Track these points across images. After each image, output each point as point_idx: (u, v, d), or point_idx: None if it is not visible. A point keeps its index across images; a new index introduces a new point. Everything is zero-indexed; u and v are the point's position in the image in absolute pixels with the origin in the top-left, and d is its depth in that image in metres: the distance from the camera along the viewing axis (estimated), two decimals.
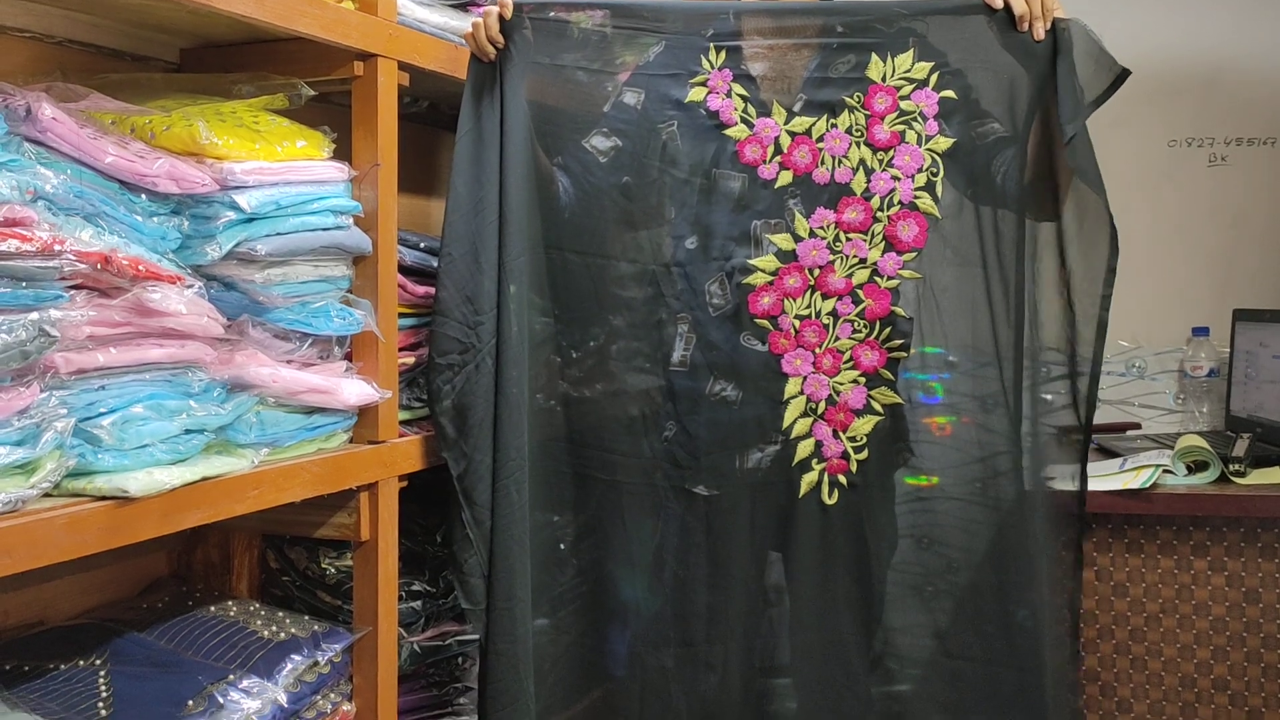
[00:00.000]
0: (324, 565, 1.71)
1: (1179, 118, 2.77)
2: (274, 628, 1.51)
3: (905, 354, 1.76)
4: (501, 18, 1.69)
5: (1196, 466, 2.18)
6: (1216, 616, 2.11)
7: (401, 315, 1.68)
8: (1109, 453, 2.38)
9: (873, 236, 1.72)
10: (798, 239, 1.73)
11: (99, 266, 1.13)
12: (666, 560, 1.85)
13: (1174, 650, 2.14)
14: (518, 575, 1.71)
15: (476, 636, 1.74)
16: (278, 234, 1.39)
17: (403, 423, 1.69)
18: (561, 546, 1.88)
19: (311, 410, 1.49)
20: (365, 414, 1.59)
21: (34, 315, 1.06)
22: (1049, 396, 1.84)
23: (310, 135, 1.49)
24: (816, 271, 1.73)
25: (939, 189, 1.72)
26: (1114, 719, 2.17)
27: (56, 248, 1.08)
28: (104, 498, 1.14)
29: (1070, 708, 1.86)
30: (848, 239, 1.72)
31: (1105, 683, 2.17)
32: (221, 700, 1.30)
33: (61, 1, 1.37)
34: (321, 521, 1.59)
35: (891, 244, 1.72)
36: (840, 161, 1.72)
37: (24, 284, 1.06)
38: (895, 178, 1.71)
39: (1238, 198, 2.74)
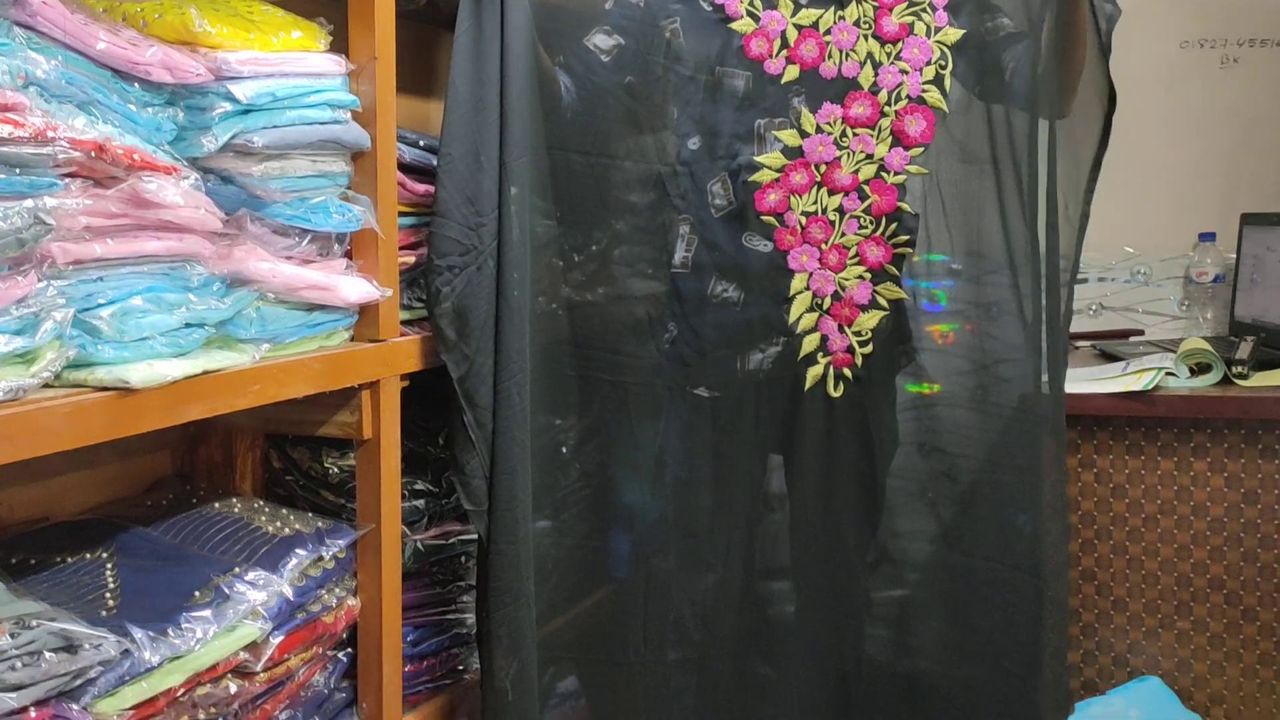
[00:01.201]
0: (327, 465, 1.71)
1: (1191, 18, 2.72)
2: (278, 523, 1.52)
3: (911, 249, 1.75)
4: None
5: (1199, 369, 2.18)
6: (1214, 517, 2.13)
7: (401, 214, 1.66)
8: (1111, 357, 2.38)
9: (880, 131, 1.70)
10: (804, 135, 1.70)
11: (93, 155, 1.11)
12: (669, 462, 1.86)
13: (1171, 550, 2.16)
14: (519, 477, 1.72)
15: (478, 536, 1.76)
16: (274, 126, 1.37)
17: (404, 323, 1.68)
18: (564, 450, 1.89)
19: (312, 307, 1.47)
20: (366, 313, 1.58)
21: (29, 202, 1.05)
22: (1053, 301, 1.83)
23: (306, 26, 1.46)
24: (823, 167, 1.71)
25: (947, 83, 1.69)
26: (1109, 618, 2.20)
27: (50, 134, 1.06)
28: (105, 389, 1.13)
29: (1063, 605, 1.88)
30: (854, 134, 1.70)
31: (1101, 582, 2.19)
32: (228, 592, 1.31)
33: None
34: (324, 420, 1.59)
35: (898, 139, 1.70)
36: (848, 55, 1.69)
37: (18, 171, 1.04)
38: (903, 71, 1.68)
39: (1249, 100, 2.70)
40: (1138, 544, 2.17)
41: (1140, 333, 2.72)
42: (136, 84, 1.23)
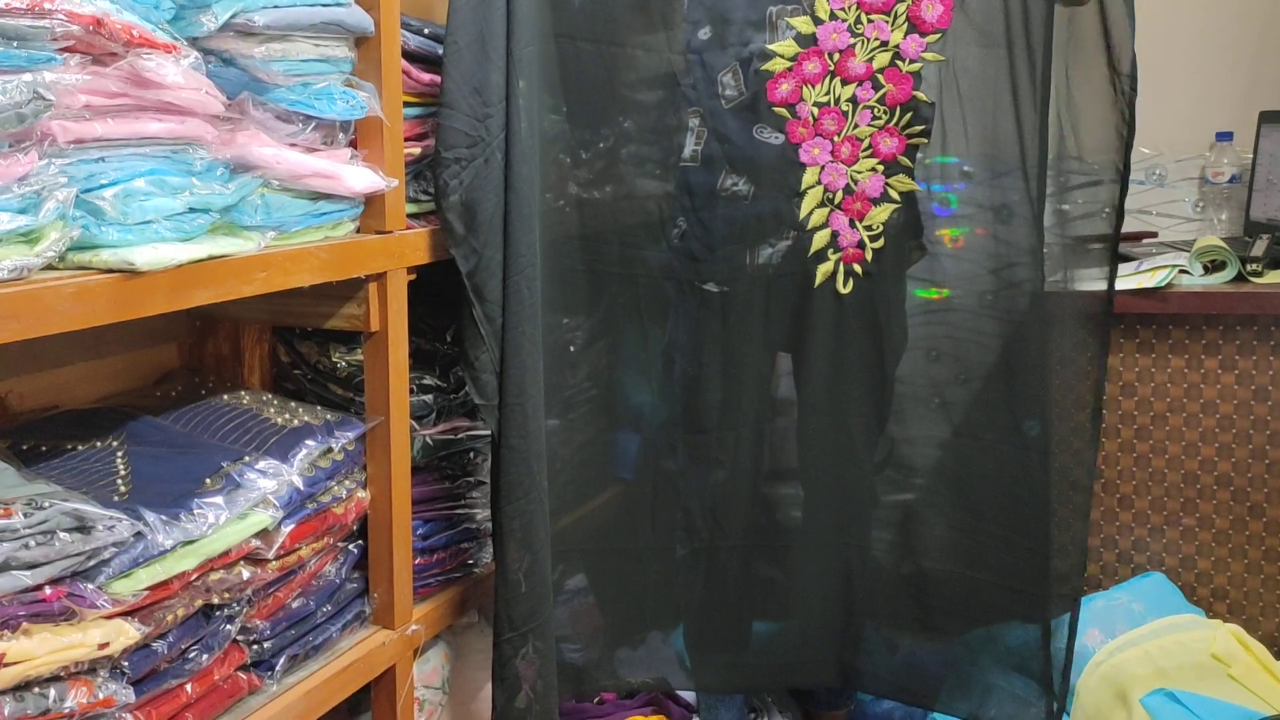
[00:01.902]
0: (335, 359, 1.70)
1: None
2: (287, 415, 1.52)
3: (925, 140, 1.71)
4: None
5: (1213, 267, 2.16)
6: (1224, 415, 2.13)
7: (407, 104, 1.63)
8: (1124, 258, 2.36)
9: (895, 17, 1.65)
10: (818, 22, 1.66)
11: (91, 29, 1.08)
12: (677, 359, 1.85)
13: (1179, 448, 2.16)
14: (529, 372, 1.71)
15: (489, 432, 1.75)
16: (275, 6, 1.33)
17: (410, 215, 1.66)
18: (571, 349, 1.88)
19: (317, 197, 1.45)
20: (372, 204, 1.56)
21: (27, 76, 1.02)
22: (1067, 206, 1.80)
23: None
24: (836, 56, 1.67)
25: None
26: (1115, 515, 2.21)
27: (46, 6, 1.03)
28: (111, 271, 1.12)
29: (1081, 511, 1.88)
30: (869, 20, 1.66)
31: (1108, 480, 2.20)
32: (239, 480, 1.31)
33: None
34: (331, 313, 1.58)
35: (914, 25, 1.65)
36: None
37: (15, 44, 1.02)
38: None
39: None
40: (1145, 442, 2.17)
41: (1154, 235, 2.68)
42: None
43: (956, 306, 1.86)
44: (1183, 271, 2.13)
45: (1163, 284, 2.08)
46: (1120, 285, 2.11)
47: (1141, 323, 2.15)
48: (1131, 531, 2.21)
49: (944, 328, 1.88)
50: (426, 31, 1.70)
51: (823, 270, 1.73)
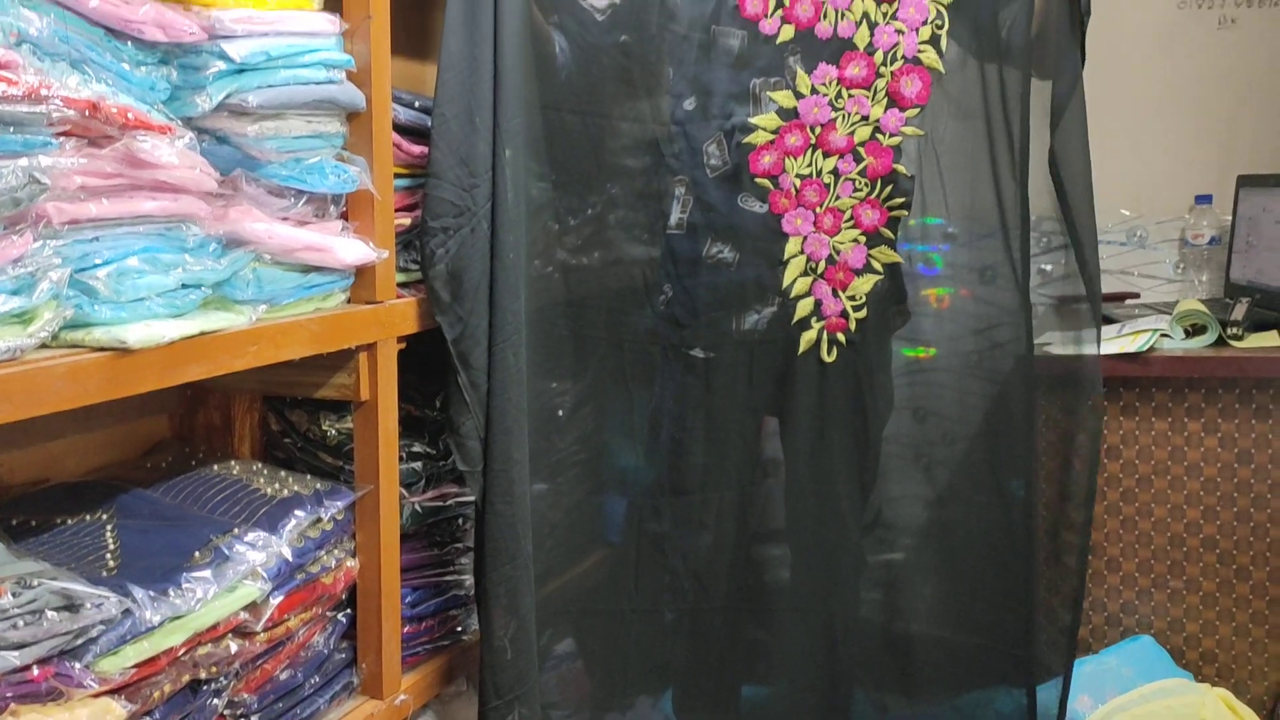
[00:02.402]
0: (325, 427, 1.71)
1: None
2: (277, 485, 1.53)
3: (906, 212, 1.74)
4: None
5: (1194, 330, 2.19)
6: (1208, 477, 2.14)
7: (397, 175, 1.66)
8: (1107, 320, 2.39)
9: (875, 92, 1.69)
10: (799, 96, 1.70)
11: (87, 114, 1.10)
12: (663, 423, 1.87)
13: (1164, 510, 2.17)
14: (515, 438, 1.72)
15: (475, 497, 1.76)
16: (269, 86, 1.36)
17: (400, 284, 1.68)
18: (560, 414, 1.89)
19: (308, 269, 1.47)
20: (362, 274, 1.57)
21: (23, 161, 1.04)
22: (1048, 266, 1.83)
23: None
24: (818, 129, 1.70)
25: (943, 43, 1.68)
26: (1103, 577, 2.21)
27: (44, 92, 1.05)
28: (103, 349, 1.13)
29: (1073, 574, 1.88)
30: (850, 95, 1.69)
31: (1095, 543, 2.21)
32: (227, 552, 1.32)
33: None
34: (321, 382, 1.59)
35: (894, 100, 1.69)
36: (843, 15, 1.68)
37: (12, 129, 1.04)
38: (899, 31, 1.67)
39: (1246, 61, 2.69)
40: (1131, 504, 2.19)
41: (1136, 296, 2.72)
42: (130, 42, 1.22)
43: (942, 366, 1.88)
44: (1164, 335, 2.15)
45: (1144, 348, 2.10)
46: (1103, 349, 2.14)
47: (1125, 386, 2.17)
48: (1120, 594, 2.21)
49: (930, 387, 1.89)
50: (417, 104, 1.73)
51: (806, 338, 1.75)
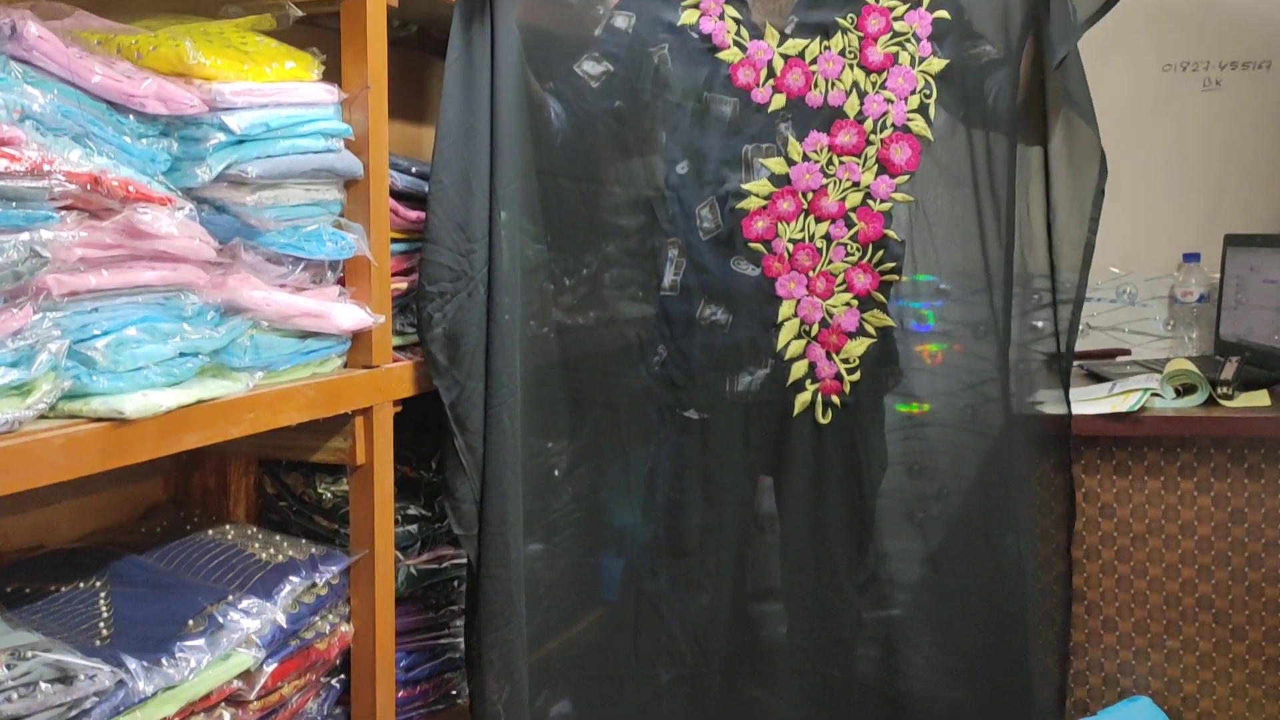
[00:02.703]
0: (320, 490, 1.72)
1: (1173, 41, 2.75)
2: (271, 550, 1.53)
3: (897, 277, 1.76)
4: None
5: (1185, 390, 2.20)
6: (1202, 536, 2.15)
7: (394, 240, 1.67)
8: (1098, 378, 2.40)
9: (866, 159, 1.72)
10: (791, 163, 1.72)
11: (89, 187, 1.12)
12: (659, 484, 1.87)
13: (1159, 569, 2.17)
14: (510, 501, 1.73)
15: (468, 561, 1.76)
16: (268, 156, 1.38)
17: (396, 348, 1.69)
18: (555, 473, 1.90)
19: (305, 335, 1.49)
20: (359, 339, 1.59)
21: (25, 236, 1.06)
22: (1039, 323, 1.85)
23: (299, 57, 1.47)
24: (810, 195, 1.73)
25: (932, 111, 1.71)
26: (1099, 637, 2.21)
27: (46, 167, 1.07)
28: (100, 419, 1.14)
29: (1059, 630, 1.89)
30: (841, 162, 1.72)
31: (1091, 602, 2.20)
32: (221, 620, 1.31)
33: None
34: (317, 446, 1.60)
35: (884, 167, 1.72)
36: (834, 84, 1.71)
37: (14, 204, 1.05)
38: (888, 100, 1.70)
39: (1231, 122, 2.73)
40: (1126, 563, 2.19)
41: (1127, 352, 2.74)
42: (132, 116, 1.24)
43: (936, 421, 1.89)
44: (1155, 395, 2.17)
45: (1135, 407, 2.11)
46: (1094, 409, 2.15)
47: (1117, 445, 2.18)
48: (1116, 655, 2.20)
49: (924, 443, 1.90)
50: (414, 170, 1.76)
51: (801, 400, 1.77)
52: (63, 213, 1.12)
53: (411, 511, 1.78)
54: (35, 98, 1.11)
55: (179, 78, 1.30)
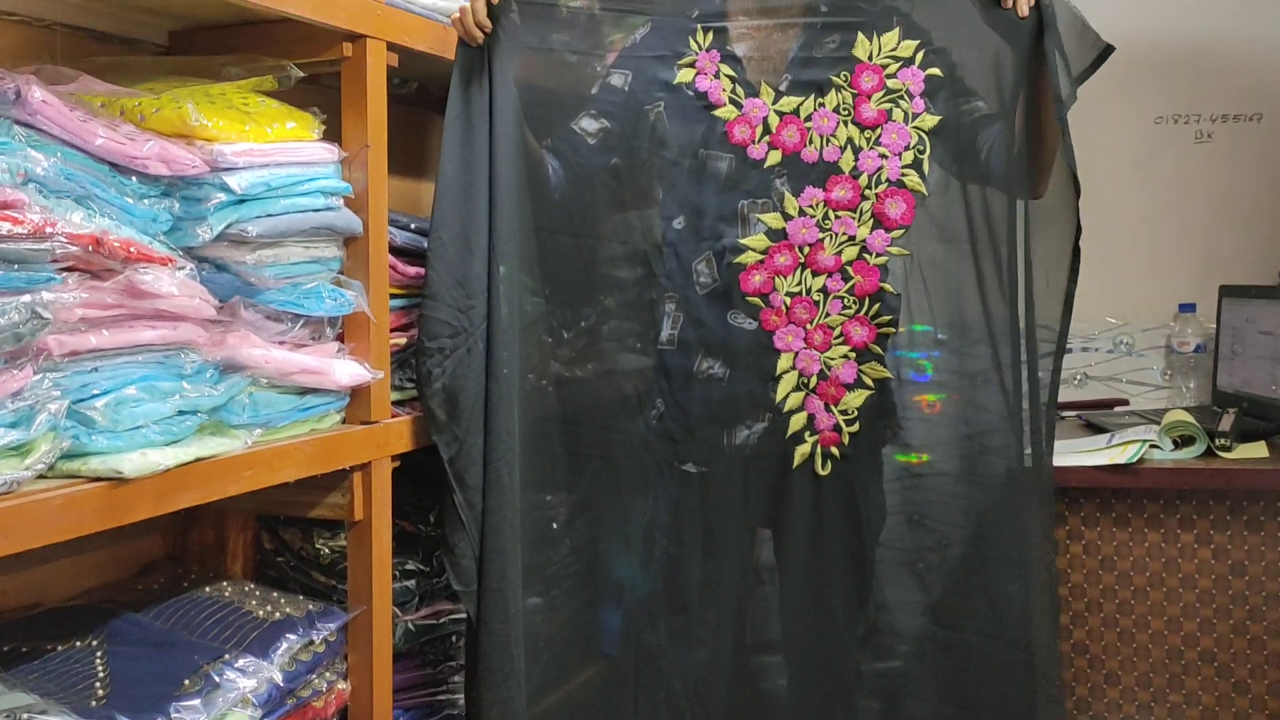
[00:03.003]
0: (318, 545, 1.72)
1: (1166, 94, 2.78)
2: (269, 608, 1.52)
3: (894, 329, 1.77)
4: (489, 2, 1.69)
5: (1183, 441, 2.20)
6: (1203, 589, 2.14)
7: (393, 296, 1.69)
8: (1097, 428, 2.40)
9: (861, 214, 1.73)
10: (787, 217, 1.74)
11: (90, 249, 1.13)
12: (658, 537, 1.87)
13: (1161, 623, 2.16)
14: (509, 556, 1.73)
15: (468, 616, 1.76)
16: (268, 215, 1.40)
17: (395, 403, 1.69)
18: (554, 526, 1.90)
19: (304, 391, 1.49)
20: (357, 394, 1.59)
21: (26, 298, 1.07)
22: (1040, 374, 1.85)
23: (300, 117, 1.49)
24: (806, 249, 1.74)
25: (926, 166, 1.73)
26: (1102, 691, 2.19)
27: (48, 230, 1.08)
28: (99, 479, 1.14)
29: (1056, 680, 1.88)
30: (836, 216, 1.73)
31: (1094, 655, 2.19)
32: (217, 679, 1.31)
33: None
34: (315, 502, 1.60)
35: (880, 221, 1.73)
36: (828, 140, 1.73)
37: (16, 266, 1.07)
38: (883, 155, 1.72)
39: (1224, 174, 2.76)
40: (1128, 617, 2.18)
41: (1125, 402, 2.74)
42: (134, 177, 1.26)
43: (936, 472, 1.89)
44: (1153, 446, 2.17)
45: (1134, 459, 2.11)
46: (1093, 460, 2.15)
47: (1116, 497, 2.17)
48: (1120, 709, 2.19)
49: (924, 493, 1.90)
50: (413, 226, 1.77)
51: (800, 452, 1.77)
52: (64, 273, 1.13)
53: (409, 566, 1.77)
54: (39, 161, 1.12)
55: (181, 139, 1.32)
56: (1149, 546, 2.16)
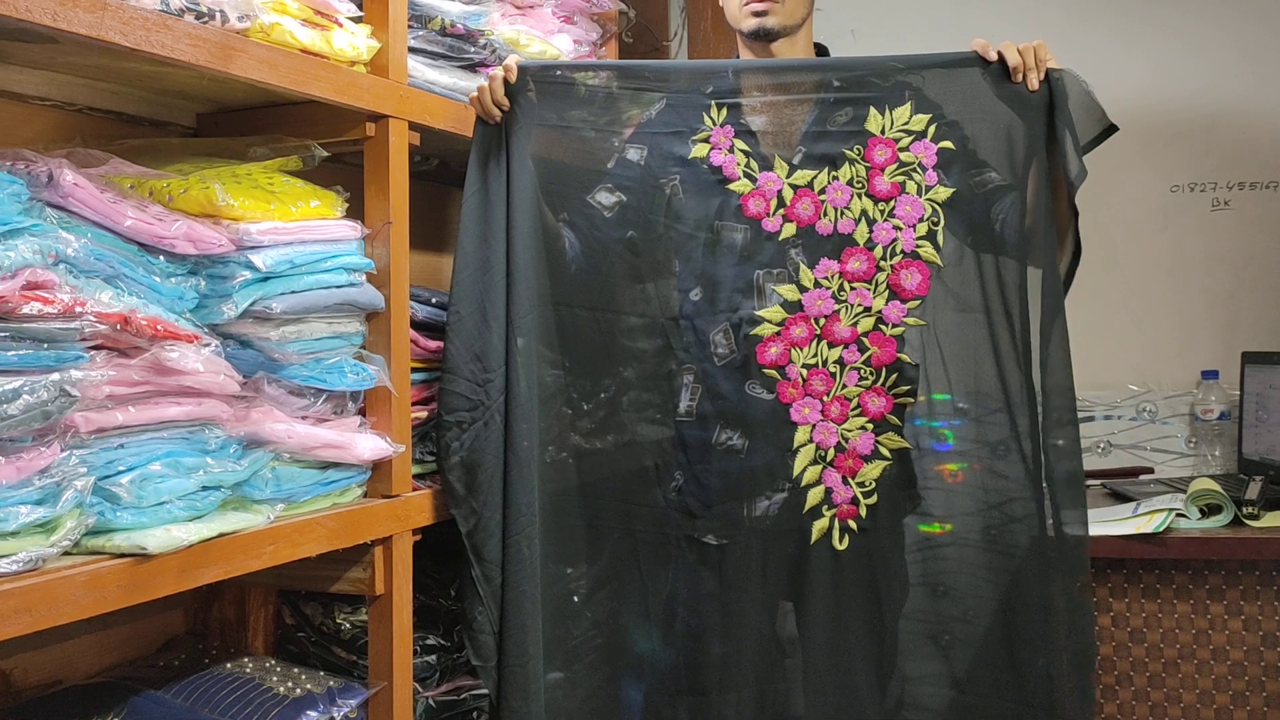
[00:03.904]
0: (339, 620, 1.71)
1: (1181, 163, 2.80)
2: (290, 684, 1.52)
3: (911, 400, 1.77)
4: (506, 81, 1.73)
5: (1210, 510, 2.18)
6: (1235, 661, 2.10)
7: (414, 370, 1.70)
8: (1122, 497, 2.38)
9: (876, 285, 1.74)
10: (803, 289, 1.75)
11: (118, 327, 1.15)
12: (678, 611, 1.85)
13: (1193, 696, 2.12)
14: (529, 632, 1.72)
15: (489, 693, 1.74)
16: (292, 292, 1.42)
17: (416, 476, 1.70)
18: (575, 599, 1.89)
19: (326, 465, 1.50)
20: (379, 468, 1.60)
21: (55, 376, 1.09)
22: (1060, 441, 1.84)
23: (324, 195, 1.52)
24: (822, 321, 1.75)
25: (940, 238, 1.74)
26: None
27: (78, 309, 1.10)
28: (123, 555, 1.15)
29: None
30: (852, 288, 1.75)
31: None
32: None
33: (81, 70, 1.41)
34: (336, 576, 1.61)
35: (895, 292, 1.74)
36: (843, 213, 1.74)
37: (46, 345, 1.09)
38: (897, 227, 1.73)
39: (1242, 242, 2.76)
40: (1159, 689, 2.14)
41: (1150, 470, 2.72)
42: (162, 255, 1.29)
43: (959, 542, 1.87)
44: (1180, 515, 2.15)
45: (1160, 529, 2.09)
46: (1119, 529, 2.13)
47: (1144, 568, 2.15)
48: None
49: (947, 563, 1.88)
50: (434, 301, 1.79)
51: (819, 527, 1.76)
52: (92, 351, 1.15)
53: (430, 641, 1.77)
54: (69, 242, 1.15)
55: (208, 218, 1.34)
56: (1179, 617, 2.13)
